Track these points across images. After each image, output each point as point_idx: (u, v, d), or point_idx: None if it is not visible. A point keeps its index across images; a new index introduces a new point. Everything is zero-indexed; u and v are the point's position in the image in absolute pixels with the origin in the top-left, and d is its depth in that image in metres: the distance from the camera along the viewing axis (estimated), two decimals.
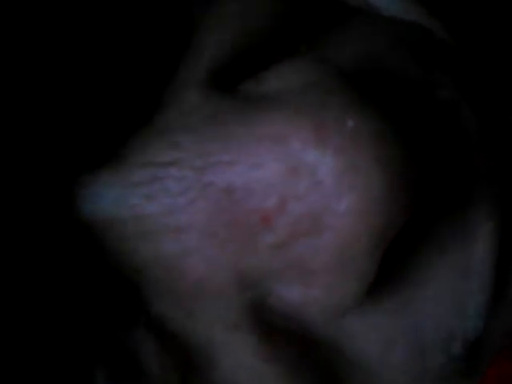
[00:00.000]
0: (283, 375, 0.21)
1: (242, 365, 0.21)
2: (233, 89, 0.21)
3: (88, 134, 0.21)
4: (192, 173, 0.20)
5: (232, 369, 0.21)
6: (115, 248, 0.20)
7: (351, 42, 0.23)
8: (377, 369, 0.22)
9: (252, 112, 0.20)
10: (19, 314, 0.19)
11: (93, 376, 0.20)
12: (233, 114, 0.20)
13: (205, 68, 0.22)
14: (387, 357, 0.22)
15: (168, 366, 0.21)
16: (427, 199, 0.21)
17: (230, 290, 0.20)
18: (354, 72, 0.22)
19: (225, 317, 0.21)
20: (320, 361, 0.22)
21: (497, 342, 0.23)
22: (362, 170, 0.19)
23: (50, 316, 0.20)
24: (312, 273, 0.20)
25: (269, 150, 0.19)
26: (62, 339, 0.20)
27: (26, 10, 0.20)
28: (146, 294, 0.21)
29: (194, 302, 0.21)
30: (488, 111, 0.23)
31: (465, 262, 0.22)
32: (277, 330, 0.21)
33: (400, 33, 0.24)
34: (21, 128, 0.20)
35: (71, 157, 0.20)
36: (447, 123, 0.22)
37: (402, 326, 0.22)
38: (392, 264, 0.21)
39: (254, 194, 0.19)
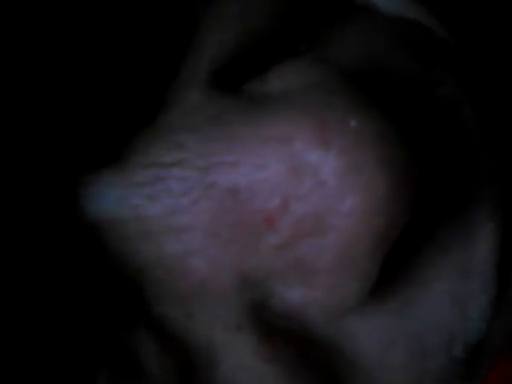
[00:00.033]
0: (283, 375, 0.21)
1: (243, 365, 0.21)
2: (236, 89, 0.21)
3: (91, 134, 0.21)
4: (195, 173, 0.20)
5: (232, 369, 0.21)
6: (117, 248, 0.20)
7: (351, 40, 0.23)
8: (377, 369, 0.22)
9: (256, 112, 0.20)
10: (21, 313, 0.19)
11: (93, 376, 0.20)
12: (237, 114, 0.20)
13: (206, 68, 0.22)
14: (387, 357, 0.22)
15: (168, 367, 0.21)
16: (429, 199, 0.21)
17: (232, 290, 0.20)
18: (355, 72, 0.22)
19: (225, 317, 0.21)
20: (320, 361, 0.22)
21: (498, 343, 0.23)
22: (364, 171, 0.19)
23: (52, 316, 0.20)
24: (314, 273, 0.20)
25: (273, 150, 0.19)
26: (63, 339, 0.20)
27: (28, 9, 0.20)
28: (147, 294, 0.21)
29: (195, 302, 0.21)
30: (489, 110, 0.23)
31: (466, 261, 0.22)
32: (277, 330, 0.21)
33: (400, 31, 0.24)
34: (24, 128, 0.20)
35: (74, 157, 0.20)
36: (449, 122, 0.22)
37: (403, 326, 0.22)
38: (394, 264, 0.21)
39: (258, 195, 0.19)
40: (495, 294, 0.22)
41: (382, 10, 0.25)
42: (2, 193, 0.19)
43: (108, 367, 0.20)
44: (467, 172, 0.22)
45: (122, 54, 0.21)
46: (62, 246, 0.20)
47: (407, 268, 0.22)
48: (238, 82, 0.21)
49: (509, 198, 0.23)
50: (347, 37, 0.23)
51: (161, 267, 0.20)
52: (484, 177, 0.22)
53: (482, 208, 0.22)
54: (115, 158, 0.20)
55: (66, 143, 0.20)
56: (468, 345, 0.22)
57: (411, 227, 0.20)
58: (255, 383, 0.21)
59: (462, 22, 0.25)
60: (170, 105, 0.21)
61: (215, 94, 0.21)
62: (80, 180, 0.20)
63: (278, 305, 0.21)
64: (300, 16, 0.24)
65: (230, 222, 0.19)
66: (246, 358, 0.21)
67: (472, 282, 0.22)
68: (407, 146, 0.19)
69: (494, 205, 0.22)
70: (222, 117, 0.20)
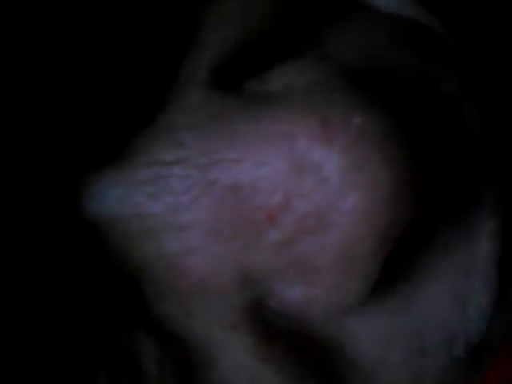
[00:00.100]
0: (282, 375, 0.21)
1: (239, 364, 0.21)
2: (237, 88, 0.21)
3: (92, 133, 0.21)
4: (196, 171, 0.20)
5: (230, 368, 0.21)
6: (119, 246, 0.20)
7: (352, 39, 0.23)
8: (377, 368, 0.22)
9: (257, 110, 0.20)
10: (21, 312, 0.19)
11: (93, 376, 0.20)
12: (238, 113, 0.20)
13: (206, 67, 0.22)
14: (388, 356, 0.22)
15: (167, 366, 0.21)
16: (431, 198, 0.21)
17: (232, 288, 0.20)
18: (356, 70, 0.22)
19: (224, 316, 0.21)
20: (320, 360, 0.21)
21: (498, 342, 0.23)
22: (367, 169, 0.19)
23: (51, 315, 0.20)
24: (315, 271, 0.20)
25: (275, 147, 0.19)
26: (63, 339, 0.20)
27: (28, 9, 0.20)
28: (147, 292, 0.21)
29: (195, 300, 0.21)
30: (490, 109, 0.23)
31: (467, 261, 0.22)
32: (276, 329, 0.21)
33: (400, 29, 0.24)
34: (26, 127, 0.20)
35: (76, 156, 0.20)
36: (450, 120, 0.22)
37: (404, 325, 0.22)
38: (396, 263, 0.21)
39: (260, 192, 0.19)
40: (496, 294, 0.22)
41: (382, 7, 0.25)
42: (3, 192, 0.19)
43: (107, 367, 0.20)
44: (468, 171, 0.22)
45: (122, 53, 0.21)
46: (63, 245, 0.20)
47: (408, 267, 0.22)
48: (238, 81, 0.21)
49: (510, 198, 0.23)
50: (347, 35, 0.23)
51: (161, 265, 0.20)
52: (485, 176, 0.22)
53: (483, 207, 0.22)
54: (116, 157, 0.20)
55: (67, 142, 0.20)
56: (468, 344, 0.22)
57: (412, 226, 0.20)
58: (253, 383, 0.21)
59: (462, 21, 0.25)
60: (170, 103, 0.21)
61: (216, 92, 0.21)
62: (81, 179, 0.20)
63: (278, 304, 0.21)
64: (299, 15, 0.24)
65: (232, 220, 0.19)
66: (244, 357, 0.21)
67: (473, 281, 0.22)
68: (409, 144, 0.19)
69: (495, 204, 0.22)
70: (223, 115, 0.20)
